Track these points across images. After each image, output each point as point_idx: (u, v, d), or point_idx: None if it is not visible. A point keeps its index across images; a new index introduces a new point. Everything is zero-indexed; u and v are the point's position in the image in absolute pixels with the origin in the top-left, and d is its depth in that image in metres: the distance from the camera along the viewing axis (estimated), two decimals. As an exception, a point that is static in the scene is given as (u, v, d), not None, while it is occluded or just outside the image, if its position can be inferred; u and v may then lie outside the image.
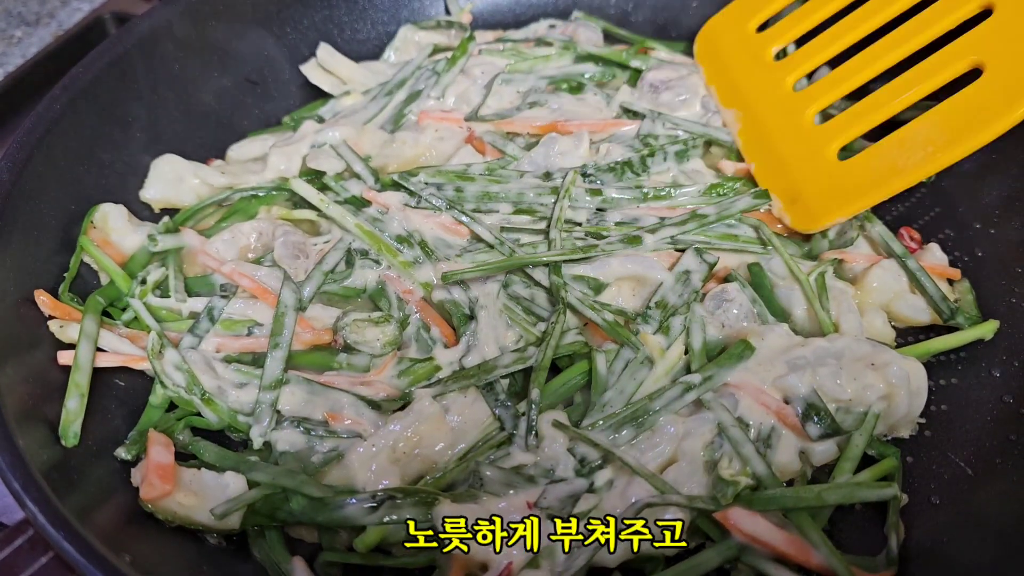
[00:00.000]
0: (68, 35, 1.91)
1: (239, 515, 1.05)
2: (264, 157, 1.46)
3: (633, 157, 1.39)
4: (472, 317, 1.21)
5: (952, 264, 1.30)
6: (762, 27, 1.47)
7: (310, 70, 1.59)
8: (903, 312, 1.25)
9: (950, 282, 1.28)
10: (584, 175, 1.37)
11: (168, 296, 1.26)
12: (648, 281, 1.23)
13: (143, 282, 1.25)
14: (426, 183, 1.36)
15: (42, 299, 1.17)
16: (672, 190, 1.36)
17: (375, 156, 1.45)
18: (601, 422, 1.09)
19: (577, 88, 1.53)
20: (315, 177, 1.41)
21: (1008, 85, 1.09)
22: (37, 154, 1.24)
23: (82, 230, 1.26)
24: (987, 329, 1.19)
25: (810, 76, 1.43)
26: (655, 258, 1.25)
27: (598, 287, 1.24)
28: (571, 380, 1.17)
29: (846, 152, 1.30)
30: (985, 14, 1.18)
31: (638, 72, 1.54)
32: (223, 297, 1.24)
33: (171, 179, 1.42)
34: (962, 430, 1.14)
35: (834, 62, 1.36)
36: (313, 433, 1.13)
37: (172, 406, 1.18)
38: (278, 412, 1.14)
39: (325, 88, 1.59)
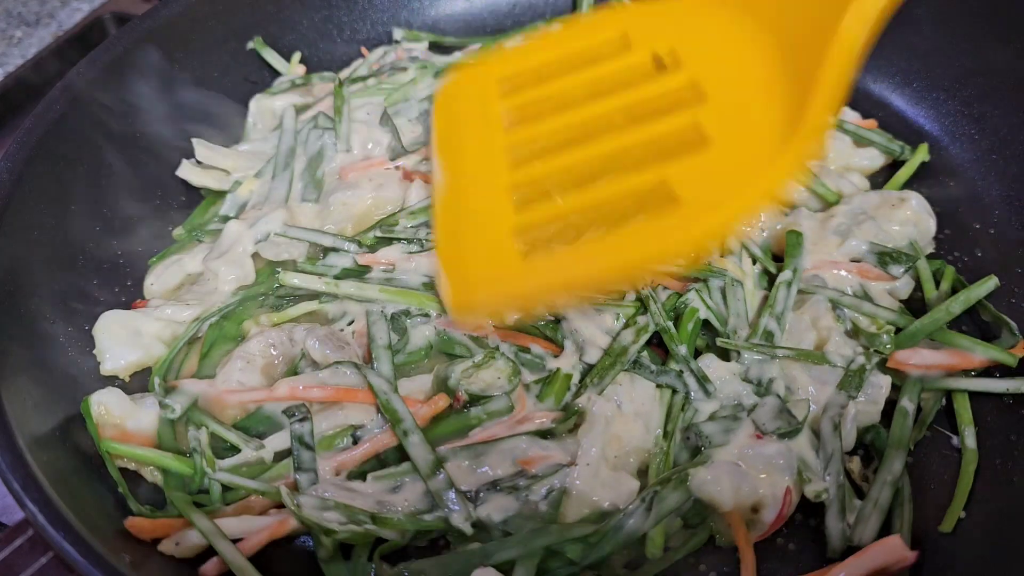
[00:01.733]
0: (68, 35, 1.93)
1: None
2: (198, 278, 1.33)
3: None
4: (558, 320, 1.21)
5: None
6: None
7: (189, 173, 1.43)
8: (864, 164, 1.46)
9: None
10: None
11: (233, 452, 1.13)
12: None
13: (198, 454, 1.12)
14: (413, 226, 1.32)
15: (137, 527, 1.04)
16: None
17: (324, 227, 1.37)
18: (747, 343, 1.17)
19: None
20: (274, 270, 1.31)
21: (687, 213, 0.99)
22: (37, 154, 1.24)
23: (93, 436, 1.10)
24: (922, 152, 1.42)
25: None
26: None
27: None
28: (690, 328, 1.20)
29: None
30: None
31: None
32: (302, 421, 1.11)
33: (126, 337, 1.23)
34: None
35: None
36: (521, 487, 1.06)
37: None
38: (465, 494, 1.06)
39: (211, 186, 1.45)
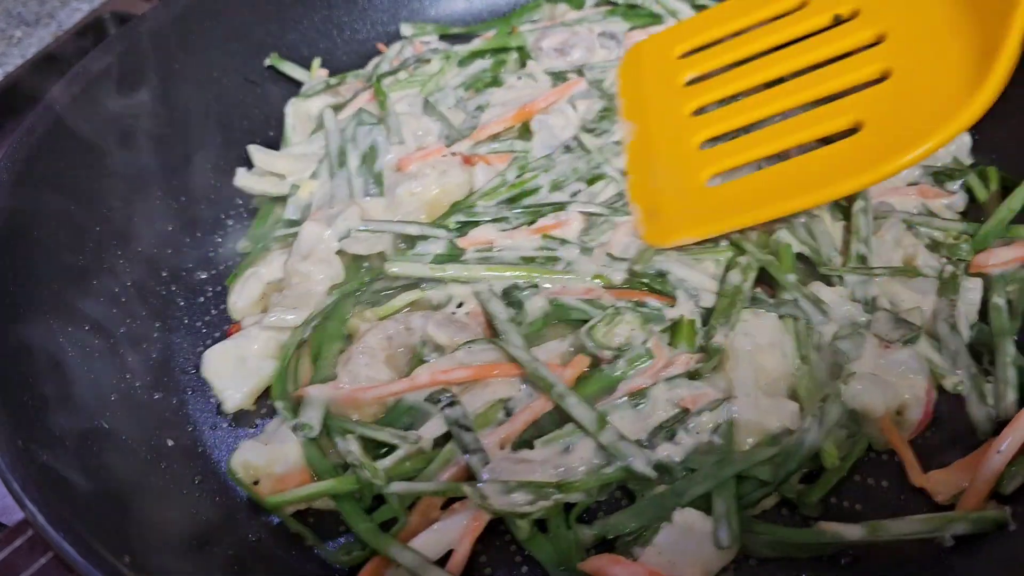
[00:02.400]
0: (68, 35, 1.95)
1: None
2: (279, 285, 1.32)
3: (605, 102, 1.52)
4: (662, 274, 1.26)
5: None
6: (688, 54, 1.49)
7: (246, 180, 1.44)
8: None
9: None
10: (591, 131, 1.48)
11: (389, 451, 1.12)
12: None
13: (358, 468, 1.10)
14: (495, 206, 1.36)
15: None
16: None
17: (397, 219, 1.38)
18: (846, 267, 1.25)
19: (495, 82, 1.59)
20: (360, 265, 1.34)
21: (879, 146, 1.13)
22: (37, 154, 1.25)
23: (258, 501, 1.10)
24: None
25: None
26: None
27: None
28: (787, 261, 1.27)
29: None
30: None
31: (520, 49, 1.64)
32: (451, 405, 1.11)
33: (233, 369, 1.22)
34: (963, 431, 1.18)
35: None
36: (690, 426, 1.10)
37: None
38: (638, 442, 1.08)
39: (269, 191, 1.45)
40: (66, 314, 1.21)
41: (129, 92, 1.39)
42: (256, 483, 1.11)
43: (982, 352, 1.21)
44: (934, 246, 1.29)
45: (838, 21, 1.30)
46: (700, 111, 1.39)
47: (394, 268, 1.25)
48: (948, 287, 1.22)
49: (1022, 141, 1.44)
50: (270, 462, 1.11)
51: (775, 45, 1.36)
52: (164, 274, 1.37)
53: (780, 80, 1.33)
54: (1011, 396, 1.12)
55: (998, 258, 1.26)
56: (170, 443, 1.19)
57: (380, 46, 1.69)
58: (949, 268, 1.24)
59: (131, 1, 2.00)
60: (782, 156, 1.26)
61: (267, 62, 1.57)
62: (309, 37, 1.68)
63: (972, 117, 1.06)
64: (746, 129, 1.32)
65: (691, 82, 1.43)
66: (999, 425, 1.11)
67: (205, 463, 1.19)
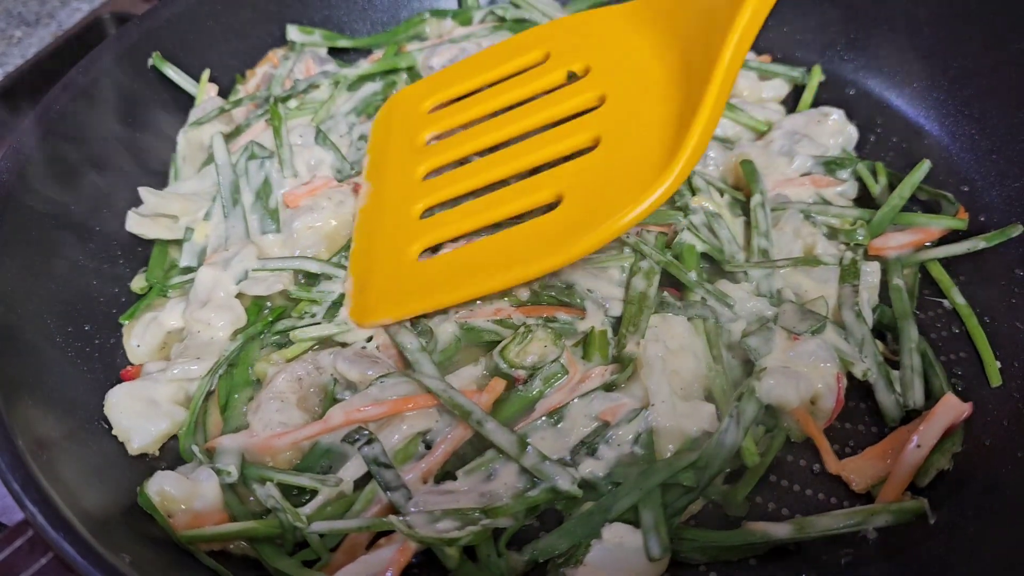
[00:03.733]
0: (68, 35, 1.97)
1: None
2: (181, 332, 1.28)
3: None
4: (569, 286, 1.27)
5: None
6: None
7: (139, 226, 1.36)
8: (773, 94, 1.62)
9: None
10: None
11: (310, 496, 1.09)
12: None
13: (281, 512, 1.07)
14: None
15: None
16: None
17: (295, 254, 1.35)
18: (749, 262, 1.29)
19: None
20: (262, 306, 1.31)
21: (575, 221, 1.12)
22: (37, 154, 1.26)
23: (169, 532, 1.05)
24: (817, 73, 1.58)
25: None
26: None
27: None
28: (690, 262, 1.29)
29: None
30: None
31: (410, 69, 1.64)
32: (369, 443, 1.08)
33: (142, 410, 1.16)
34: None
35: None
36: (610, 438, 1.11)
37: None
38: (560, 461, 1.08)
39: (163, 236, 1.38)
40: (67, 314, 1.22)
41: (129, 92, 1.43)
42: (170, 516, 1.07)
43: (885, 333, 1.25)
44: (832, 234, 1.33)
45: (572, 78, 1.32)
46: (432, 174, 1.37)
47: (300, 335, 1.24)
48: (849, 273, 1.26)
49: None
50: (188, 497, 1.08)
51: (512, 103, 1.36)
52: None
53: (507, 142, 1.33)
54: (918, 384, 1.17)
55: (894, 241, 1.32)
56: (171, 442, 1.19)
57: (271, 54, 1.66)
58: (848, 254, 1.28)
59: (131, 1, 2.03)
60: (496, 226, 1.26)
61: (150, 63, 1.52)
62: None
63: (667, 188, 1.06)
64: (466, 196, 1.30)
65: (432, 140, 1.42)
66: (908, 412, 1.15)
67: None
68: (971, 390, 1.18)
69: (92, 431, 1.14)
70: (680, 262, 1.28)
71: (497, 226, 1.25)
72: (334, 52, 1.71)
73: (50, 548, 0.95)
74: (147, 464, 1.16)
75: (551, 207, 1.17)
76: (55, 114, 1.31)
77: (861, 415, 1.18)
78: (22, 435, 0.99)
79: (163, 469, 1.12)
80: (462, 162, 1.37)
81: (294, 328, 1.25)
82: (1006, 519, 1.02)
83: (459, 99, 1.43)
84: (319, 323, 1.25)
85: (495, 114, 1.37)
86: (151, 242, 1.39)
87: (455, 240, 1.28)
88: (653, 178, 1.07)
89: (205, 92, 1.57)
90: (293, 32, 1.67)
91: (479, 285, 1.18)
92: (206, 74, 1.58)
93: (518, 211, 1.23)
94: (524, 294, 1.26)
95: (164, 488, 1.07)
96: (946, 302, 1.28)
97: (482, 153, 1.35)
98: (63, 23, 2.24)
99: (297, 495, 1.10)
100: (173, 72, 1.53)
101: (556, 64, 1.35)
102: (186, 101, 1.54)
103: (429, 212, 1.31)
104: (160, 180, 1.47)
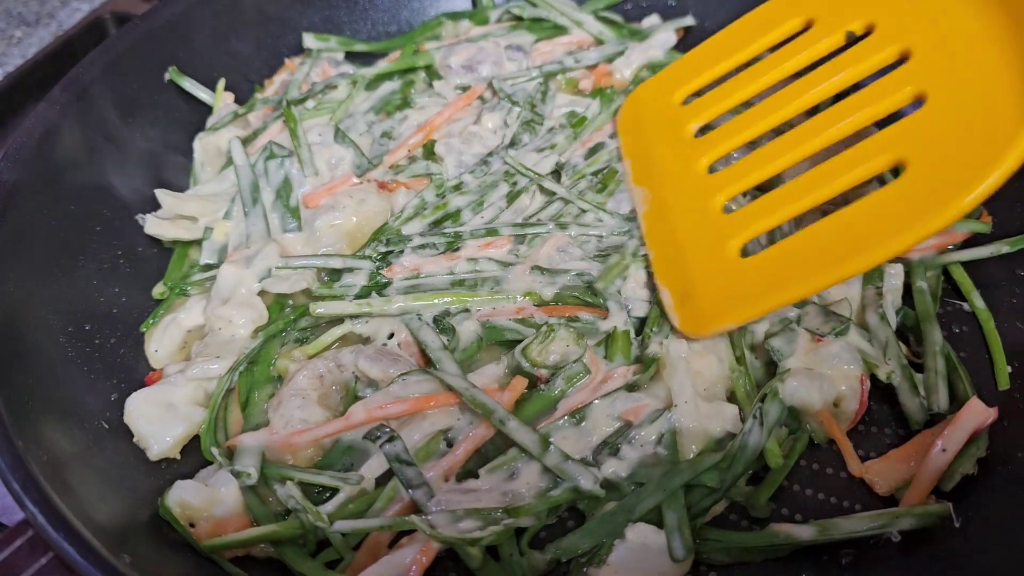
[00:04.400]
0: (68, 35, 1.97)
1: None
2: (201, 331, 1.28)
3: (524, 114, 1.50)
4: (591, 285, 1.26)
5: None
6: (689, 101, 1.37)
7: (157, 228, 1.36)
8: None
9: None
10: (512, 144, 1.47)
11: (330, 494, 1.09)
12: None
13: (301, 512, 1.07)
14: (420, 234, 1.34)
15: None
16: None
17: (318, 252, 1.34)
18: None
19: (405, 103, 1.58)
20: (283, 304, 1.30)
21: (931, 187, 0.98)
22: (37, 154, 1.26)
23: (192, 543, 1.05)
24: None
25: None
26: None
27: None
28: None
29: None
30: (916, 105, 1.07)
31: (428, 68, 1.64)
32: (390, 440, 1.08)
33: (160, 415, 1.16)
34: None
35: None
36: (633, 438, 1.11)
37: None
38: (583, 460, 1.08)
39: (183, 237, 1.38)
40: (67, 314, 1.21)
41: (129, 92, 1.43)
42: (192, 525, 1.08)
43: (908, 335, 1.25)
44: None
45: (852, 40, 1.18)
46: (716, 166, 1.28)
47: (320, 309, 1.22)
48: (872, 275, 1.26)
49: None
50: (208, 505, 1.08)
51: (786, 76, 1.24)
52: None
53: (796, 119, 1.20)
54: (942, 387, 1.17)
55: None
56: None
57: (288, 61, 1.66)
58: (871, 257, 1.27)
59: (131, 1, 2.03)
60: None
61: (166, 77, 1.52)
62: None
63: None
64: (772, 181, 1.21)
65: (700, 132, 1.31)
66: (932, 415, 1.15)
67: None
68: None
69: (102, 436, 1.14)
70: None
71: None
72: (349, 56, 1.71)
73: (50, 548, 0.95)
74: (146, 460, 1.15)
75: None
76: (56, 114, 1.31)
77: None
78: (38, 450, 1.00)
79: (184, 473, 1.13)
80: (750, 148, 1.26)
81: (316, 325, 1.25)
82: (1005, 520, 1.02)
83: (713, 84, 1.33)
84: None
85: (770, 90, 1.24)
86: (154, 245, 1.39)
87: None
88: (1012, 132, 0.92)
89: (222, 101, 1.57)
90: (309, 39, 1.68)
91: (822, 277, 1.05)
92: (222, 83, 1.59)
93: (847, 187, 1.09)
94: (548, 292, 1.25)
95: (184, 498, 1.08)
96: (966, 305, 1.28)
97: (770, 134, 1.23)
98: (63, 23, 2.24)
99: (318, 493, 1.11)
100: (190, 84, 1.54)
101: (826, 28, 1.20)
102: (187, 102, 1.53)
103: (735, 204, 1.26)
104: (162, 181, 1.45)
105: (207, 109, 1.55)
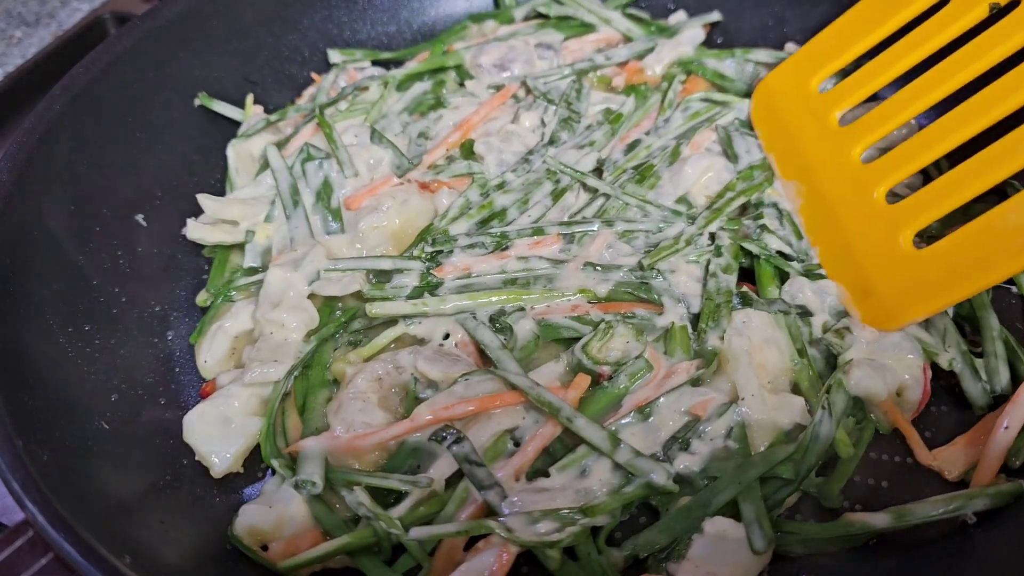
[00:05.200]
0: (68, 35, 1.97)
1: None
2: (249, 336, 1.27)
3: (561, 112, 1.50)
4: (645, 281, 1.26)
5: None
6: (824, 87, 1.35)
7: (199, 232, 1.37)
8: None
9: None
10: (551, 142, 1.46)
11: (399, 497, 1.08)
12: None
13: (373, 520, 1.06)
14: (468, 234, 1.33)
15: None
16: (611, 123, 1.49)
17: (364, 254, 1.34)
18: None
19: (438, 103, 1.57)
20: (333, 307, 1.29)
21: None
22: (37, 154, 1.25)
23: (269, 567, 1.05)
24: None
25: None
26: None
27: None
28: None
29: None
30: None
31: (458, 67, 1.64)
32: (459, 441, 1.07)
33: (218, 431, 1.16)
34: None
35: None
36: (702, 432, 1.10)
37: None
38: (653, 456, 1.08)
39: (225, 240, 1.38)
40: (67, 314, 1.20)
41: (129, 91, 1.42)
42: (265, 548, 1.06)
43: (963, 325, 1.25)
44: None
45: (995, 11, 1.15)
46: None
47: (375, 309, 1.21)
48: (926, 266, 1.26)
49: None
50: (277, 526, 1.06)
51: (925, 56, 1.22)
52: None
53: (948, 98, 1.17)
54: (1003, 370, 1.17)
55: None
56: (171, 442, 1.18)
57: (315, 76, 1.65)
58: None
59: (131, 1, 2.02)
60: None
61: (196, 102, 1.52)
62: (309, 37, 1.69)
63: None
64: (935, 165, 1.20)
65: (844, 118, 1.29)
66: (995, 399, 1.16)
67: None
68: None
69: (102, 436, 1.13)
70: (758, 264, 1.27)
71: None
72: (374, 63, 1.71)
73: (50, 548, 0.95)
74: (146, 460, 1.14)
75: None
76: (55, 114, 1.30)
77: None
78: (38, 450, 0.99)
79: (247, 482, 1.14)
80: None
81: (369, 327, 1.24)
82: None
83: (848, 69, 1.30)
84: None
85: (915, 70, 1.21)
86: (154, 245, 1.37)
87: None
88: None
89: (251, 114, 1.56)
90: (335, 55, 1.67)
91: (1006, 265, 1.04)
92: (250, 98, 1.58)
93: (1018, 169, 1.05)
94: (602, 289, 1.25)
95: (252, 524, 1.06)
96: (1014, 288, 1.28)
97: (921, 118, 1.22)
98: (63, 23, 2.23)
99: (385, 495, 1.09)
100: (220, 106, 1.53)
101: (967, 2, 1.17)
102: (187, 102, 1.52)
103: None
104: (163, 182, 1.44)
105: (207, 109, 1.53)
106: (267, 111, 1.58)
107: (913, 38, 1.23)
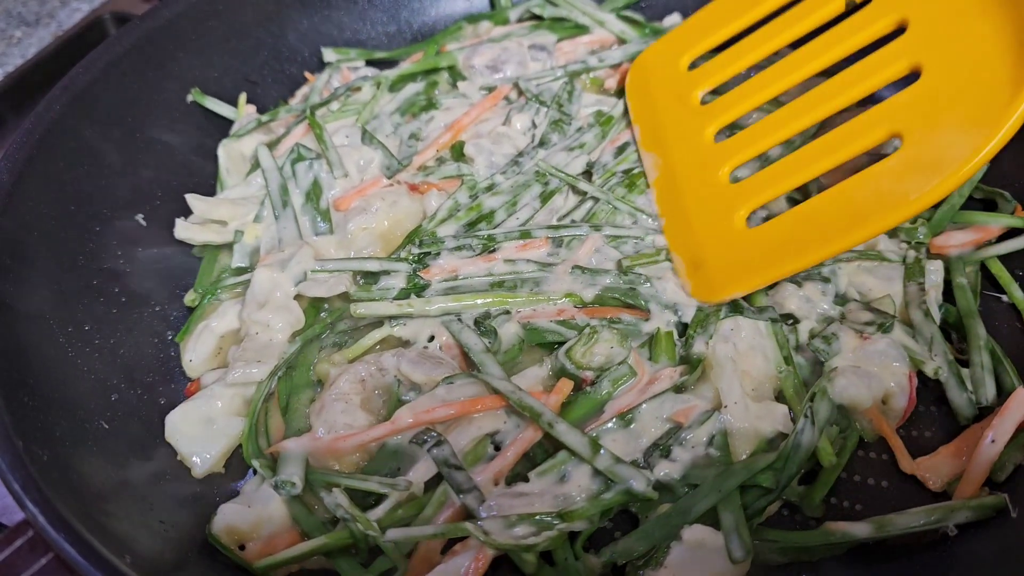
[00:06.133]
0: (68, 35, 1.98)
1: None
2: (235, 336, 1.27)
3: (552, 114, 1.49)
4: (633, 287, 1.25)
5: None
6: (695, 65, 1.41)
7: (187, 232, 1.36)
8: None
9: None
10: (541, 144, 1.45)
11: (378, 499, 1.08)
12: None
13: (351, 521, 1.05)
14: (455, 236, 1.32)
15: None
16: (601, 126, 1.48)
17: (352, 255, 1.34)
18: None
19: (430, 105, 1.56)
20: (319, 308, 1.29)
21: (924, 160, 1.03)
22: (37, 154, 1.26)
23: (246, 566, 1.04)
24: None
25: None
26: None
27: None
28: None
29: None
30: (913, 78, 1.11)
31: (451, 68, 1.63)
32: (439, 444, 1.07)
33: (200, 431, 1.16)
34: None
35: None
36: (684, 440, 1.10)
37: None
38: (634, 463, 1.08)
39: (214, 240, 1.38)
40: (67, 314, 1.21)
41: (129, 92, 1.42)
42: (242, 548, 1.06)
43: (950, 332, 1.24)
44: (893, 232, 1.32)
45: (851, 8, 1.23)
46: (721, 133, 1.32)
47: (360, 309, 1.21)
48: (914, 271, 1.26)
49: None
50: (255, 526, 1.06)
51: (787, 43, 1.28)
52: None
53: (797, 88, 1.25)
54: (989, 381, 1.16)
55: (956, 240, 1.31)
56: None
57: (308, 75, 1.65)
58: (911, 253, 1.28)
59: (131, 1, 2.04)
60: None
61: (189, 98, 1.52)
62: (309, 37, 1.69)
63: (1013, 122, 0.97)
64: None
65: (706, 98, 1.35)
66: (980, 410, 1.15)
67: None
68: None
69: (102, 436, 1.13)
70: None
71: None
72: (368, 63, 1.71)
73: (50, 548, 0.96)
74: (146, 460, 1.14)
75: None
76: (55, 114, 1.31)
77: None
78: (38, 450, 0.99)
79: (231, 480, 1.13)
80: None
81: (355, 328, 1.24)
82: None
83: (719, 49, 1.36)
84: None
85: (772, 58, 1.29)
86: (153, 246, 1.37)
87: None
88: (1004, 104, 0.96)
89: (244, 113, 1.56)
90: (329, 54, 1.68)
91: (832, 244, 1.11)
92: (243, 97, 1.58)
93: (845, 159, 1.14)
94: (588, 294, 1.24)
95: (231, 524, 1.07)
96: (1004, 297, 1.27)
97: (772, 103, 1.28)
98: (63, 23, 2.25)
99: (364, 496, 1.09)
100: (212, 103, 1.53)
101: None
102: (186, 102, 1.52)
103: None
104: (163, 182, 1.44)
105: (206, 108, 1.53)
106: (265, 111, 1.58)
107: (775, 26, 1.30)
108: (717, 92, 1.35)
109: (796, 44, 1.28)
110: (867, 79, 1.15)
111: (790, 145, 1.32)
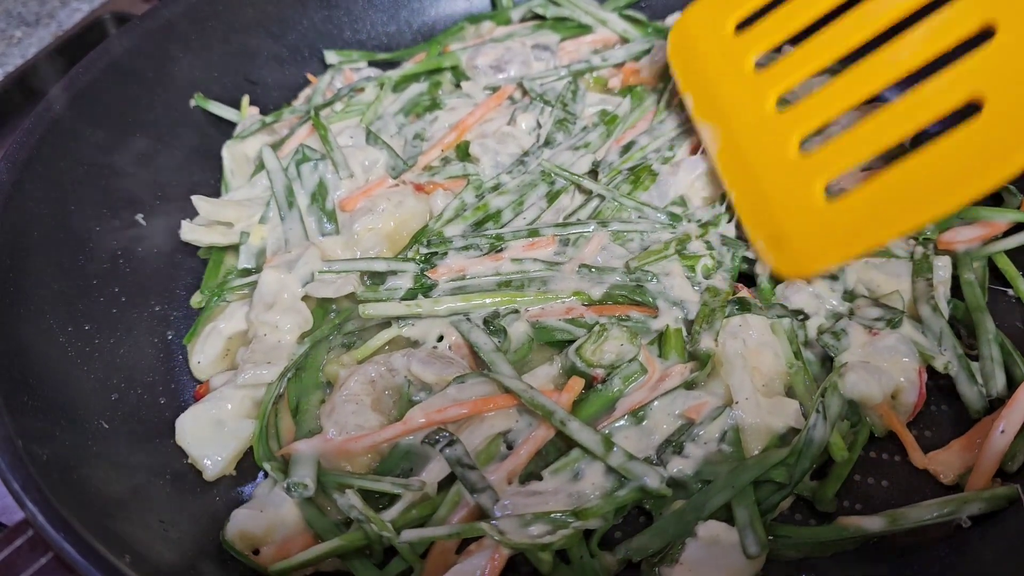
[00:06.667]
0: (68, 35, 1.98)
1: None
2: (243, 338, 1.27)
3: (557, 113, 1.49)
4: (640, 285, 1.25)
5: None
6: (742, 26, 1.30)
7: (194, 234, 1.36)
8: None
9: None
10: (546, 144, 1.45)
11: (391, 500, 1.08)
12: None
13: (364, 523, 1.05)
14: (462, 235, 1.32)
15: None
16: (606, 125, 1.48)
17: (358, 255, 1.33)
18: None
19: (434, 105, 1.56)
20: (327, 309, 1.29)
21: (1010, 123, 0.96)
22: (37, 154, 1.26)
23: (261, 571, 1.04)
24: None
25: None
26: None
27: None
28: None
29: None
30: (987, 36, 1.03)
31: (454, 68, 1.63)
32: (451, 444, 1.06)
33: (210, 434, 1.15)
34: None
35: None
36: (696, 436, 1.10)
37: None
38: (647, 460, 1.08)
39: (219, 242, 1.38)
40: (67, 314, 1.20)
41: (129, 92, 1.42)
42: (256, 552, 1.06)
43: (959, 328, 1.25)
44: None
45: None
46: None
47: (368, 310, 1.21)
48: (922, 267, 1.26)
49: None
50: (269, 530, 1.06)
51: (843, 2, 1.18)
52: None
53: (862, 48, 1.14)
54: (999, 374, 1.16)
55: (963, 235, 1.31)
56: (171, 441, 1.17)
57: (310, 76, 1.65)
58: (919, 249, 1.28)
59: (131, 1, 2.04)
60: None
61: (192, 103, 1.52)
62: (309, 37, 1.69)
63: None
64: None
65: (760, 62, 1.26)
66: (991, 403, 1.15)
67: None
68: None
69: (102, 436, 1.13)
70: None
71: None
72: (370, 64, 1.71)
73: (50, 548, 0.95)
74: (146, 460, 1.14)
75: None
76: (55, 114, 1.30)
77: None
78: (38, 450, 0.98)
79: (247, 481, 1.13)
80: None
81: (363, 329, 1.24)
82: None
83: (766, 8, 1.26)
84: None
85: (828, 16, 1.18)
86: (153, 246, 1.37)
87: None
88: None
89: (247, 115, 1.56)
90: (331, 56, 1.67)
91: (919, 214, 1.04)
92: (246, 99, 1.58)
93: (924, 124, 1.05)
94: (597, 292, 1.24)
95: (245, 529, 1.06)
96: (1010, 291, 1.28)
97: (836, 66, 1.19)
98: (63, 23, 2.23)
99: (377, 497, 1.09)
100: (216, 107, 1.53)
101: None
102: (187, 103, 1.52)
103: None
104: (163, 182, 1.44)
105: (206, 110, 1.53)
106: (266, 112, 1.58)
107: None
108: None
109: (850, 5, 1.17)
110: (941, 38, 1.06)
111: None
